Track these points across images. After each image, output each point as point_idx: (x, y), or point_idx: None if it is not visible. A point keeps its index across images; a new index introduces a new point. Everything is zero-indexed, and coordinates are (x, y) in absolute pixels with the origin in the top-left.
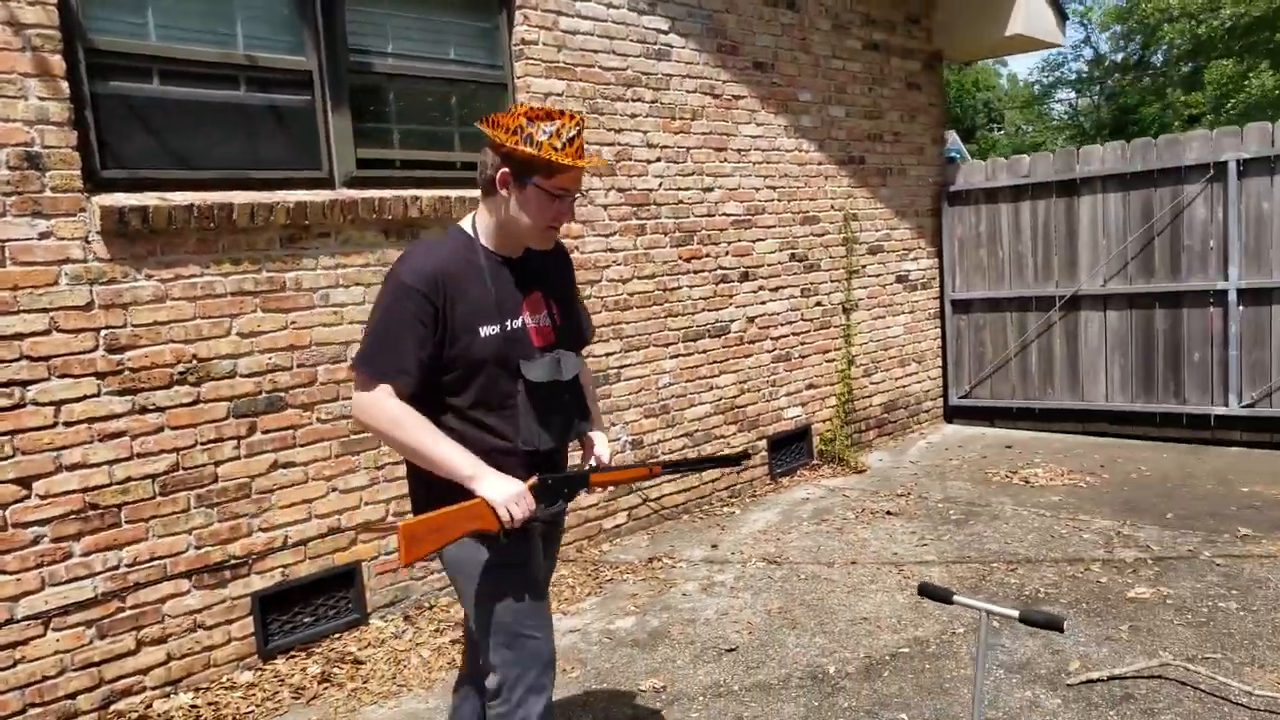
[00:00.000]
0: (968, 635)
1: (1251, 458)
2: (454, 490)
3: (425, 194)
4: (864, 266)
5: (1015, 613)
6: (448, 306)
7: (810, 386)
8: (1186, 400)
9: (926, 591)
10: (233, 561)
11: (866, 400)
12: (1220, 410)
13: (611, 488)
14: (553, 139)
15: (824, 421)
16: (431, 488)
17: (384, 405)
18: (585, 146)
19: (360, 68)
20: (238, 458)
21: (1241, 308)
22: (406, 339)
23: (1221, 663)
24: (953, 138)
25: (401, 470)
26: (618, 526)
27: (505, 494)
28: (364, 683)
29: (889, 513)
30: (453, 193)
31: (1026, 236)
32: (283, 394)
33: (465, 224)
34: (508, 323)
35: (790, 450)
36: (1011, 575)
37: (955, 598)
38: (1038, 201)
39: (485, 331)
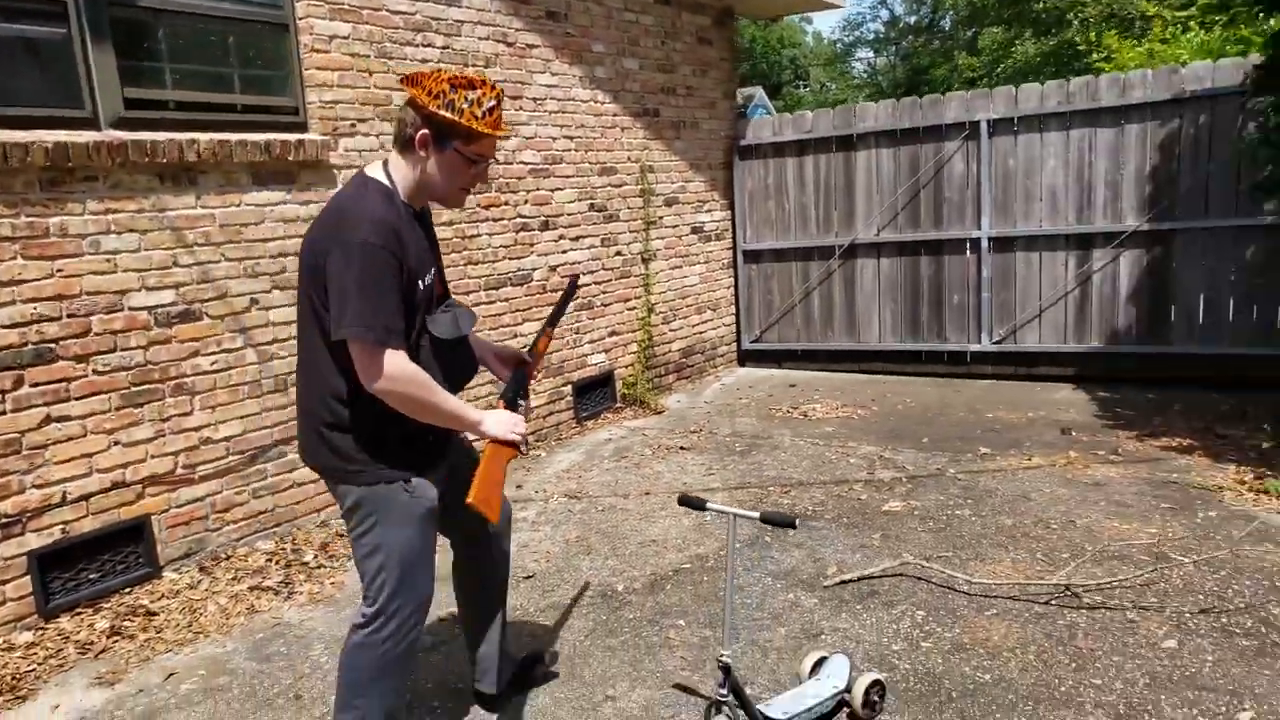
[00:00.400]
0: (742, 550)
1: (998, 388)
2: (400, 446)
3: (203, 137)
4: (661, 218)
5: (756, 514)
6: (404, 259)
7: (613, 334)
8: (947, 339)
9: (684, 501)
10: (3, 520)
11: (666, 346)
12: (975, 347)
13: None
14: (474, 107)
15: (626, 367)
16: (384, 444)
17: (402, 371)
18: (502, 116)
19: (123, 1)
20: (3, 412)
21: (992, 254)
22: (390, 299)
23: (951, 559)
24: (759, 93)
25: (188, 422)
26: None
27: (507, 424)
28: (158, 633)
29: (682, 448)
30: (233, 136)
31: (810, 189)
32: (52, 345)
33: (377, 174)
34: (427, 275)
35: (595, 395)
36: (785, 496)
37: (708, 505)
38: (820, 156)
39: (421, 282)
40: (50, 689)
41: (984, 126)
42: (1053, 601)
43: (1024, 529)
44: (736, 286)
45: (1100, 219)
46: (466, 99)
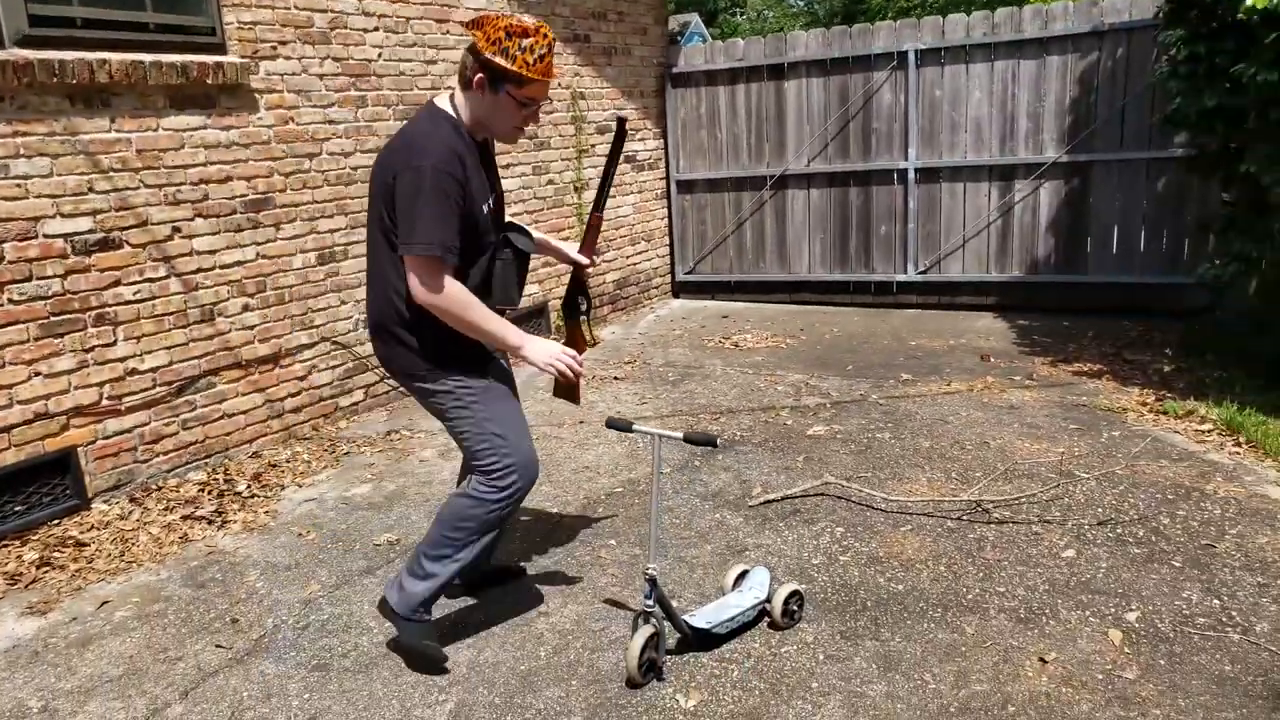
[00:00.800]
0: (672, 474)
1: (923, 317)
2: (461, 348)
3: (115, 57)
4: (593, 146)
5: (680, 434)
6: (466, 184)
7: (546, 264)
8: (875, 270)
9: (612, 424)
10: None
11: (600, 278)
12: (901, 277)
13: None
14: (525, 54)
15: (560, 299)
16: (444, 344)
17: (453, 289)
18: (553, 63)
19: None
20: None
21: (918, 185)
22: (451, 221)
23: (870, 480)
24: (695, 20)
25: (112, 353)
26: (354, 404)
27: (546, 354)
28: (89, 563)
29: (616, 378)
30: (147, 57)
31: (742, 119)
32: None
33: (445, 105)
34: (489, 200)
35: (528, 327)
36: (715, 423)
37: (634, 426)
38: (751, 85)
39: (484, 207)
40: None
41: (912, 57)
42: (964, 517)
43: (940, 450)
44: (670, 217)
45: (1022, 150)
46: (520, 46)
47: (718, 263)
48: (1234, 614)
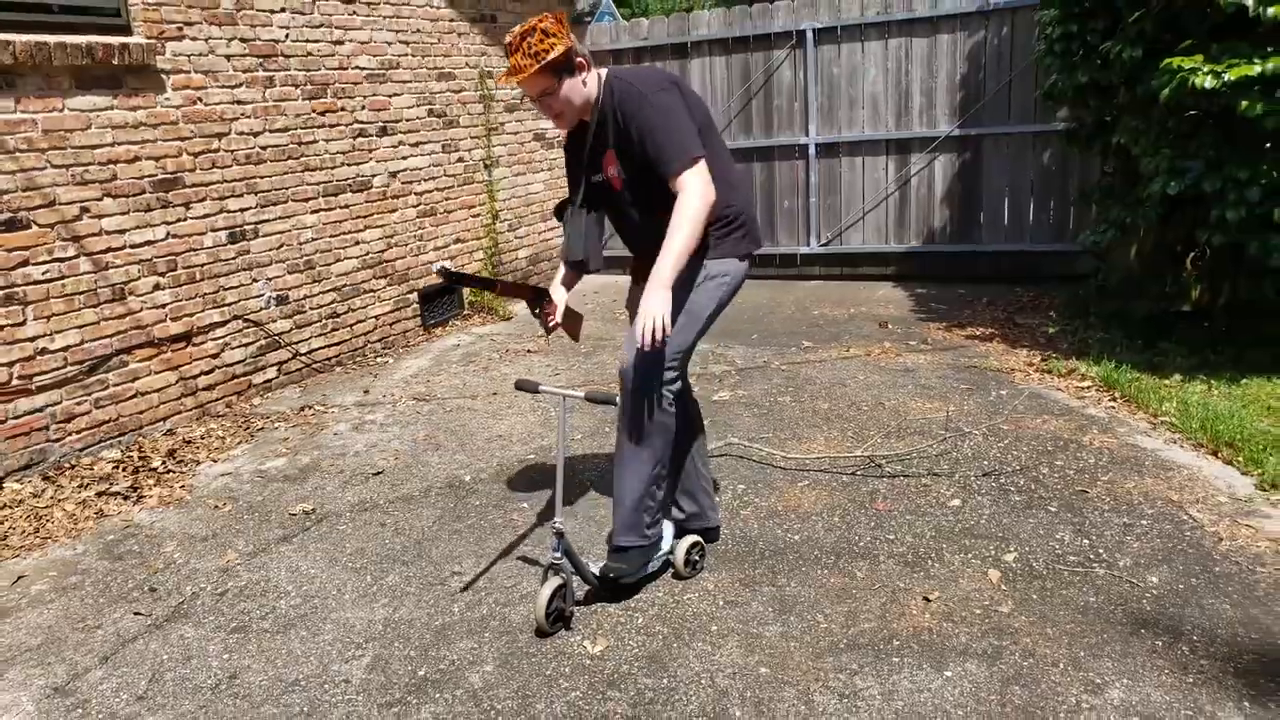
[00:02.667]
0: (584, 439)
1: (825, 288)
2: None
3: (19, 39)
4: (503, 124)
5: (582, 393)
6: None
7: (458, 240)
8: (779, 242)
9: (520, 385)
10: None
11: (513, 254)
12: (804, 250)
13: None
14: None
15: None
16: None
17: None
18: (519, 62)
19: None
20: None
21: (819, 160)
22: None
23: (772, 440)
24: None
25: (22, 332)
26: (268, 381)
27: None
28: (2, 539)
29: (529, 351)
30: (51, 38)
31: None
32: None
33: None
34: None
35: (441, 302)
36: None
37: (541, 387)
38: (656, 63)
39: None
40: None
41: (809, 35)
42: (858, 472)
43: (838, 411)
44: None
45: (917, 125)
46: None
47: None
48: (1100, 551)
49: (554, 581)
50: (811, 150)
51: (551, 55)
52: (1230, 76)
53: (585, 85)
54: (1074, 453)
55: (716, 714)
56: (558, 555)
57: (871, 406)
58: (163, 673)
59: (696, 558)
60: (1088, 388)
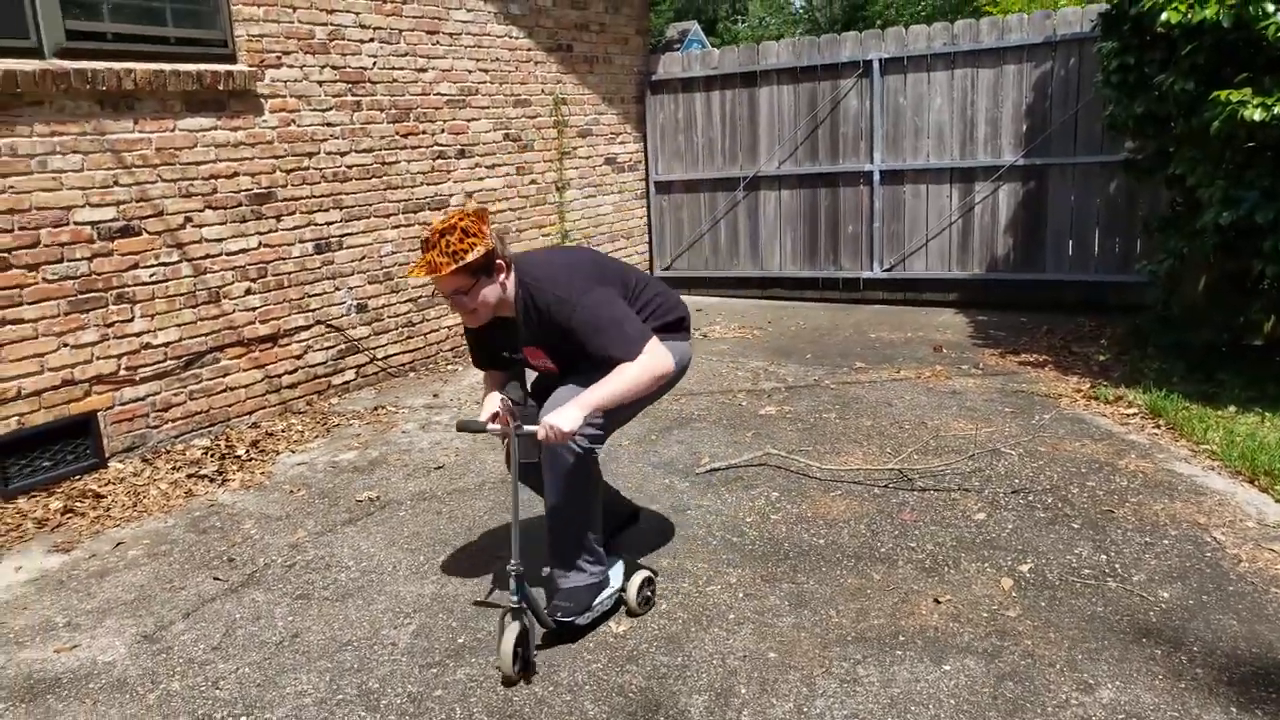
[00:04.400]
0: (629, 446)
1: (885, 312)
2: None
3: (139, 67)
4: (575, 148)
5: (534, 429)
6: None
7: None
8: (843, 267)
9: (462, 427)
10: None
11: None
12: (867, 274)
13: None
14: None
15: None
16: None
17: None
18: (435, 259)
19: None
20: None
21: (883, 187)
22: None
23: (811, 453)
24: (695, 27)
25: (130, 328)
26: (346, 383)
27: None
28: (106, 511)
29: None
30: (167, 66)
31: (717, 123)
32: (5, 255)
33: None
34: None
35: None
36: (674, 404)
37: (489, 427)
38: (726, 91)
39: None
40: (13, 555)
41: (876, 65)
42: (890, 485)
43: (880, 429)
44: (649, 216)
45: (982, 154)
46: None
47: (694, 259)
48: (1116, 566)
49: (515, 628)
50: (876, 177)
51: (469, 257)
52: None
53: (505, 289)
54: (1107, 475)
55: (724, 690)
56: (515, 600)
57: (914, 425)
58: (235, 629)
59: (649, 593)
60: (1133, 415)
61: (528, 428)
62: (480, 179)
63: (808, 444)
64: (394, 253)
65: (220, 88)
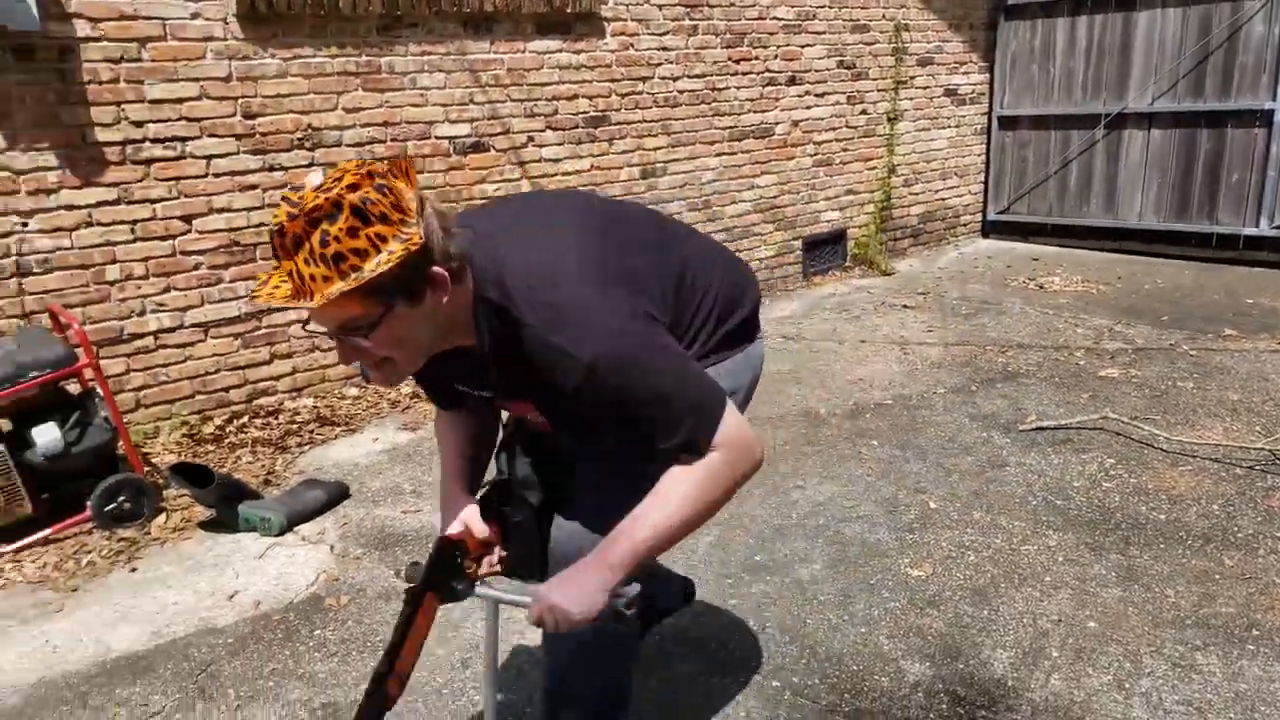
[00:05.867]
0: (946, 395)
1: (1267, 275)
2: None
3: None
4: (912, 78)
5: (527, 599)
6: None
7: (849, 192)
8: (1219, 221)
9: (405, 575)
10: None
11: (904, 210)
12: (1250, 231)
13: None
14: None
15: (860, 227)
16: None
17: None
18: (303, 269)
19: None
20: None
21: None
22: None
23: (1158, 422)
24: None
25: None
26: None
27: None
28: None
29: (905, 306)
30: None
31: (1080, 52)
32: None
33: None
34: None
35: (824, 252)
36: (1000, 356)
37: (476, 591)
38: (1095, 16)
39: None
40: (371, 427)
41: None
42: (1258, 467)
43: (1250, 405)
44: (988, 154)
45: None
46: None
47: (1034, 204)
48: None
49: None
50: (1277, 118)
51: (371, 268)
52: None
53: (452, 310)
54: None
55: (1033, 650)
56: None
57: None
58: None
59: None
60: None
61: (511, 596)
62: (808, 107)
63: (1155, 412)
64: (714, 180)
65: (568, 10)
